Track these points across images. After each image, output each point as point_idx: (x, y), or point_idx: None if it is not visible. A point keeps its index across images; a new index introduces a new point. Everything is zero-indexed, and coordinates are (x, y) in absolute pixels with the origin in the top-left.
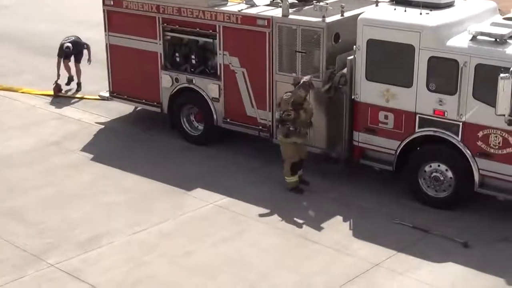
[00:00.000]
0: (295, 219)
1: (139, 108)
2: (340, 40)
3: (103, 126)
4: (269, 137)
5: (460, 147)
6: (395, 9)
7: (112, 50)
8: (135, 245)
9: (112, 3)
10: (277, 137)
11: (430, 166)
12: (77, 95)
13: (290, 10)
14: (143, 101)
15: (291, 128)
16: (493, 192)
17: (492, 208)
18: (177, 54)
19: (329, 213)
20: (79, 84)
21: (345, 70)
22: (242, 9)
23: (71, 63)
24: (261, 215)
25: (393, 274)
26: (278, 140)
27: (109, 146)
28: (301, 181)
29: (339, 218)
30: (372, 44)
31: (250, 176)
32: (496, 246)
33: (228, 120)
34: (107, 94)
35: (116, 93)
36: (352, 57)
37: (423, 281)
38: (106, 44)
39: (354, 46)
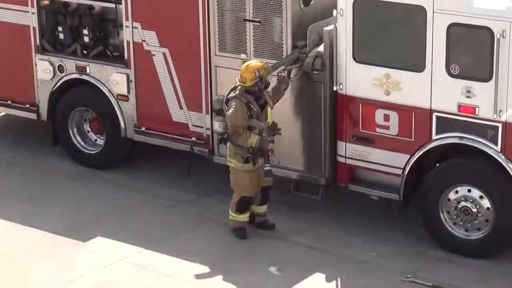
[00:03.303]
0: (252, 279)
1: (2, 114)
2: (312, 2)
3: None
4: (207, 154)
5: (501, 161)
6: None
7: None
8: None
9: None
10: (228, 159)
11: (457, 192)
12: None
13: None
14: (9, 102)
15: (250, 149)
16: None
17: None
18: (60, 29)
19: (305, 269)
20: None
21: (321, 48)
22: None
23: None
24: (198, 277)
25: None
26: (229, 164)
27: None
28: (263, 223)
29: (320, 277)
30: (361, 7)
31: (179, 216)
32: None
33: (144, 129)
34: None
35: None
36: (331, 27)
37: None
38: None
39: (335, 11)
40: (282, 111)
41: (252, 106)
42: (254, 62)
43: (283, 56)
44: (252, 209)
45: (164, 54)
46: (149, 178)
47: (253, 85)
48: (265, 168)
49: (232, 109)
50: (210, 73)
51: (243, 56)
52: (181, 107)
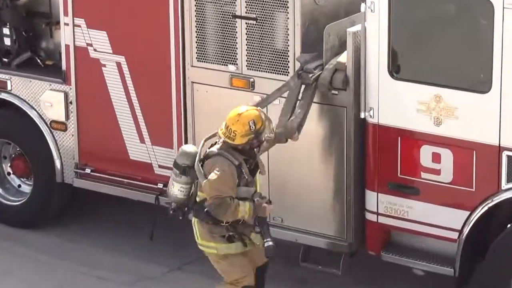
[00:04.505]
0: None
1: None
2: None
3: None
4: (179, 213)
5: None
6: None
7: None
8: None
9: None
10: (201, 244)
11: None
12: None
13: None
14: None
15: (229, 226)
16: None
17: None
18: None
19: None
20: None
21: (343, 57)
22: None
23: None
24: None
25: None
26: (207, 251)
27: None
28: None
29: None
30: (401, 0)
31: None
32: None
33: (88, 171)
34: None
35: None
36: (358, 27)
37: None
38: None
39: (363, 5)
40: (286, 149)
41: (243, 170)
42: (249, 110)
43: (289, 74)
44: None
45: (118, 64)
46: (96, 243)
47: (245, 144)
48: (266, 245)
49: (217, 172)
50: (184, 91)
51: (231, 68)
52: (142, 141)
